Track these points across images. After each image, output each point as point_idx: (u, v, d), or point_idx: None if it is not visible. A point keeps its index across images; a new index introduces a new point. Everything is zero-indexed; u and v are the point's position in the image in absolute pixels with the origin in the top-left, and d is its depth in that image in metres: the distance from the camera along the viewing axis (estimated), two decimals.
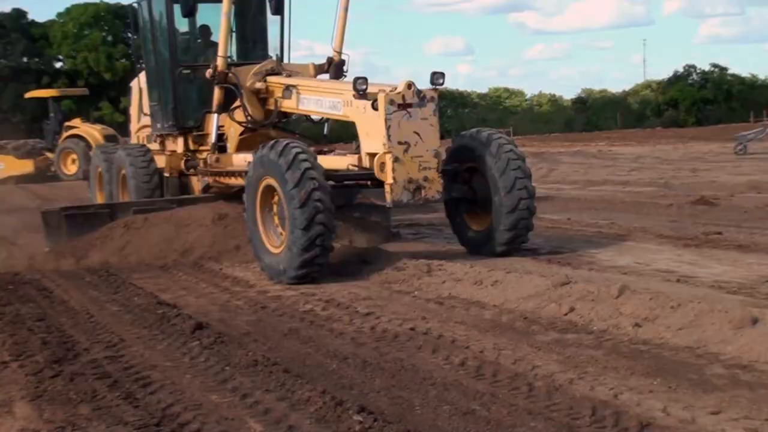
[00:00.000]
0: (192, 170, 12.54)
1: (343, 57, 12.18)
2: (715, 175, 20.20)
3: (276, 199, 9.60)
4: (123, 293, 9.02)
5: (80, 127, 31.41)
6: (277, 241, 9.65)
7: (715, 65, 64.29)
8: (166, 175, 12.81)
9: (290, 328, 7.29)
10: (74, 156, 30.53)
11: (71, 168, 30.58)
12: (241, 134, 11.77)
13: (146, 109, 13.71)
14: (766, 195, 15.18)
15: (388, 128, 9.32)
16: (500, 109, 74.94)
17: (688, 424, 4.66)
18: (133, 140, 15.00)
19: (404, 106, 9.40)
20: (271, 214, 9.78)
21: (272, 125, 11.67)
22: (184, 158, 12.60)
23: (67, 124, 31.61)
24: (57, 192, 23.70)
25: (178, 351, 6.54)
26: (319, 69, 12.00)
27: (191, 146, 12.55)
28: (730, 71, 64.31)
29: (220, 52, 11.49)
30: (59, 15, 57.21)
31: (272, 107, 11.44)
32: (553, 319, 7.11)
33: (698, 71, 64.23)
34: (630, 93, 73.94)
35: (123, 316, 7.92)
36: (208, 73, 11.56)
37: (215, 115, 11.80)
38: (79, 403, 5.32)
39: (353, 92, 9.64)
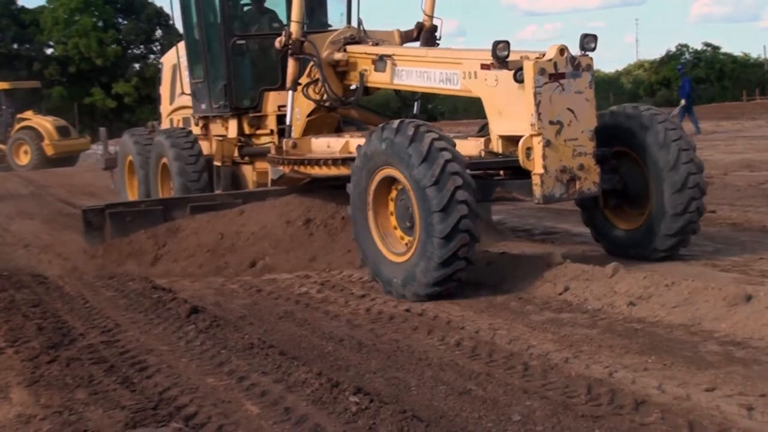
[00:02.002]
0: (247, 158, 10.87)
1: (435, 22, 10.23)
2: (708, 153, 20.14)
3: (395, 192, 7.89)
4: (118, 278, 8.99)
5: (32, 118, 32.56)
6: (397, 246, 7.86)
7: (707, 44, 64.01)
8: (217, 163, 10.90)
9: (286, 310, 7.31)
10: (26, 147, 31.86)
11: (23, 159, 31.79)
12: (308, 115, 10.08)
13: (186, 87, 12.02)
14: (759, 173, 15.18)
15: (537, 104, 7.42)
16: None
17: (683, 401, 4.69)
18: (165, 124, 13.09)
19: (556, 76, 7.51)
20: (388, 212, 8.03)
21: (355, 103, 10.04)
22: (238, 144, 10.94)
23: (19, 116, 32.50)
24: (51, 178, 23.72)
25: (174, 335, 6.55)
26: (406, 36, 10.22)
27: (246, 130, 10.90)
28: (722, 50, 64.13)
29: (295, 16, 9.74)
30: (49, 1, 56.76)
31: (354, 82, 9.70)
32: (547, 299, 7.13)
33: (691, 50, 64.02)
34: (623, 73, 73.74)
35: (118, 301, 7.92)
36: (279, 42, 9.84)
37: (289, 92, 10.04)
38: (76, 387, 5.32)
39: (485, 61, 7.92)
